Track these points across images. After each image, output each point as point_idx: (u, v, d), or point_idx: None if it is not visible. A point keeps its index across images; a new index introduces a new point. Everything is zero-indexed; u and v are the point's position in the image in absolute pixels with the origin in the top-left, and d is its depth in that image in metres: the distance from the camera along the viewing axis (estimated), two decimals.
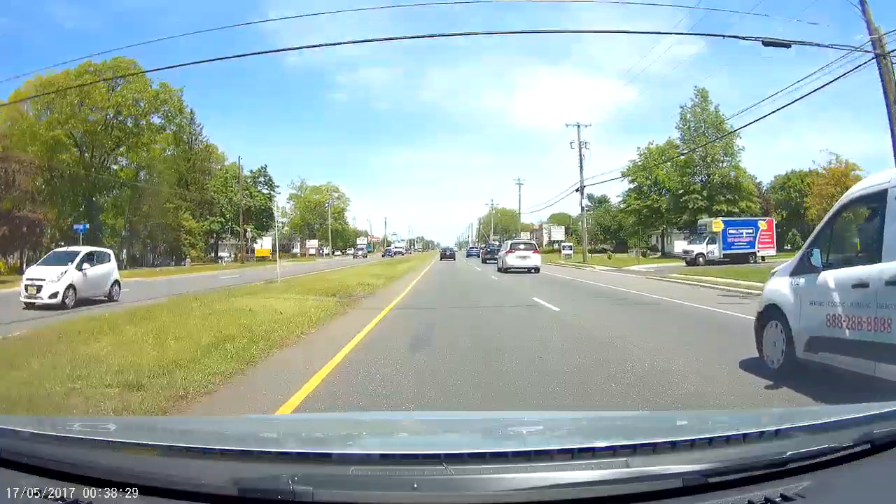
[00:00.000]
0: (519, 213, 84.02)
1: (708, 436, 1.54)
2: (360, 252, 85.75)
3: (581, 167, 47.24)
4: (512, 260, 30.79)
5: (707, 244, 37.73)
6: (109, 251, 19.76)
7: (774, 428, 1.63)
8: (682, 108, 51.74)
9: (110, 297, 17.34)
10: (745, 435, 1.56)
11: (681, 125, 52.16)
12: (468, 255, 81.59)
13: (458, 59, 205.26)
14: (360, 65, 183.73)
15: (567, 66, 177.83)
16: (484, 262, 51.93)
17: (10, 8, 69.86)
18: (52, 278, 15.42)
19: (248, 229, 65.66)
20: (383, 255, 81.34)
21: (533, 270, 29.95)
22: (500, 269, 32.14)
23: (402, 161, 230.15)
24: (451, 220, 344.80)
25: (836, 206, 5.69)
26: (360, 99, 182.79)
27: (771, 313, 6.02)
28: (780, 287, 5.99)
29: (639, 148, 57.91)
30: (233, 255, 69.88)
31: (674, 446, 1.50)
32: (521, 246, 33.01)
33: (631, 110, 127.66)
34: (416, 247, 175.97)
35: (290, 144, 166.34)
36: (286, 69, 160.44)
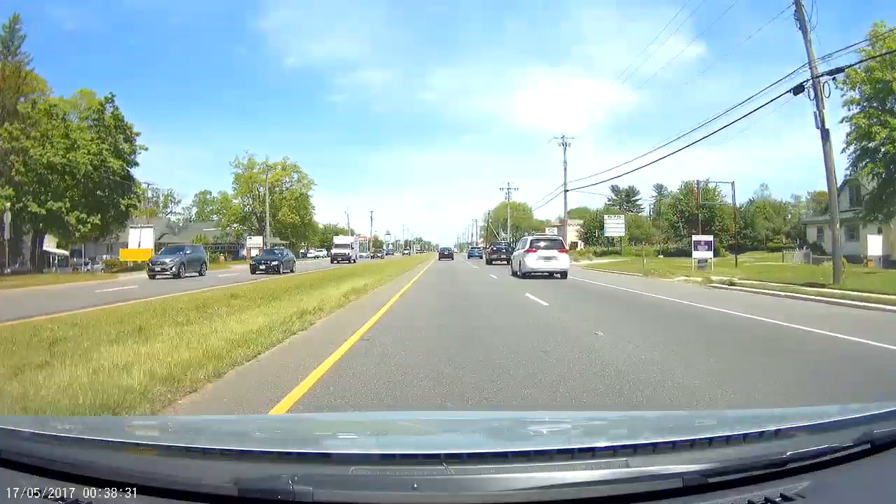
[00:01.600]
0: (564, 191, 47.84)
1: (708, 436, 1.54)
2: (157, 266, 29.20)
3: (805, 34, 17.90)
4: (534, 261, 23.57)
5: None
6: None
7: (774, 428, 1.63)
8: None
9: None
10: (745, 435, 1.56)
11: None
12: (469, 256, 70.34)
13: (458, 59, 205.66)
14: (359, 66, 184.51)
15: (567, 67, 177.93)
16: (489, 262, 44.23)
17: (10, 8, 68.98)
18: None
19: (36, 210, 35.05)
20: (254, 269, 33.30)
21: (558, 275, 23.77)
22: (515, 274, 25.53)
23: (401, 163, 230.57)
24: (450, 222, 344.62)
25: None
26: (359, 101, 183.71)
27: None
28: None
29: (876, 22, 26.39)
30: (91, 260, 41.06)
31: (674, 446, 1.50)
32: (544, 243, 24.88)
33: (630, 111, 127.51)
34: (415, 248, 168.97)
35: (288, 145, 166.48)
36: (285, 70, 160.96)
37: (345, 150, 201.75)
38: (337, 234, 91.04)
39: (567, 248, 26.50)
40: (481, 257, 62.38)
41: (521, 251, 25.11)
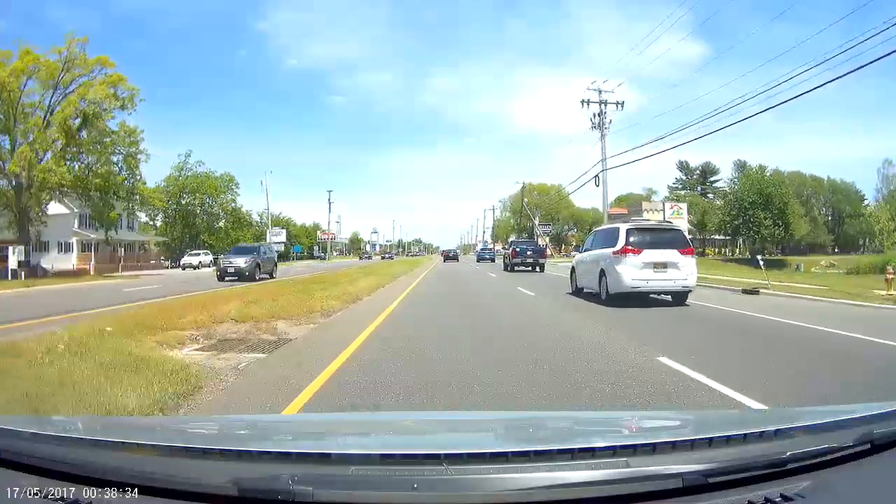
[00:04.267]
0: None
1: (708, 436, 1.54)
2: None
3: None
4: (636, 272, 12.61)
5: None
6: None
7: (774, 428, 1.63)
8: None
9: None
10: (745, 435, 1.57)
11: None
12: (479, 259, 57.16)
13: (459, 60, 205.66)
14: (359, 67, 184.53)
15: (567, 67, 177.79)
16: (510, 269, 32.79)
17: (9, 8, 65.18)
18: None
19: None
20: None
21: (667, 296, 13.46)
22: (581, 292, 15.33)
23: (401, 164, 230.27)
24: (452, 224, 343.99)
25: None
26: (359, 102, 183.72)
27: None
28: None
29: None
30: None
31: (674, 446, 1.50)
32: (653, 237, 13.33)
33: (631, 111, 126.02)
34: (413, 249, 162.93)
35: (288, 145, 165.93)
36: (286, 71, 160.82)
37: (345, 151, 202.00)
38: (273, 228, 67.78)
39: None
40: (493, 260, 52.79)
41: (607, 252, 13.40)
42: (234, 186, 63.57)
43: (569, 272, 17.29)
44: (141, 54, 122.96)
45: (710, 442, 1.51)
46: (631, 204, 63.62)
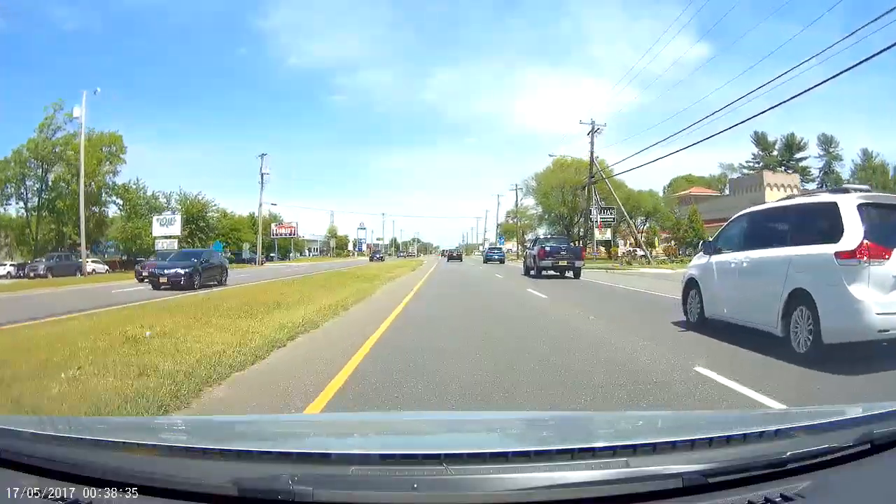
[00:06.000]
0: None
1: (708, 436, 1.55)
2: None
3: None
4: (884, 298, 5.67)
5: None
6: None
7: (774, 428, 1.63)
8: None
9: None
10: (745, 435, 1.57)
11: None
12: (486, 260, 53.41)
13: (459, 60, 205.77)
14: (360, 66, 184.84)
15: (568, 67, 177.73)
16: (535, 274, 26.29)
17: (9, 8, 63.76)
18: None
19: None
20: None
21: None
22: (702, 320, 8.56)
23: (401, 164, 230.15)
24: (452, 224, 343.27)
25: None
26: (359, 101, 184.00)
27: None
28: None
29: None
30: None
31: (674, 446, 1.50)
32: None
33: (633, 111, 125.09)
34: (410, 250, 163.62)
35: (288, 145, 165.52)
36: (286, 70, 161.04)
37: (345, 151, 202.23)
38: (165, 213, 42.44)
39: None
40: (502, 261, 49.08)
41: (813, 255, 6.38)
42: (118, 152, 40.04)
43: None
44: (139, 51, 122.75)
45: (710, 442, 1.51)
46: (724, 184, 43.56)
